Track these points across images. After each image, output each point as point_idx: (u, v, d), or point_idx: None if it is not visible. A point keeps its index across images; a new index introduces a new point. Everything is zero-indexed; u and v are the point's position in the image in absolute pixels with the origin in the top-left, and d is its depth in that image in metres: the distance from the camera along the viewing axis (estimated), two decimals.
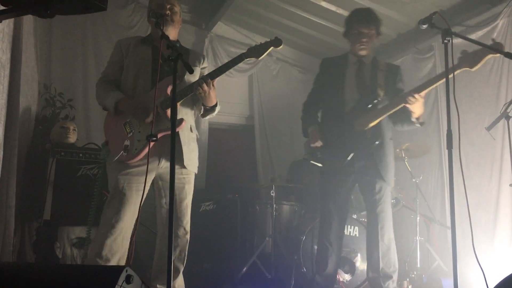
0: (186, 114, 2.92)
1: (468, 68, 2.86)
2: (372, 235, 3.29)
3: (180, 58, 2.15)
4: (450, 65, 2.69)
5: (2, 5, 1.94)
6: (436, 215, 4.57)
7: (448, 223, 4.58)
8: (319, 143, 3.26)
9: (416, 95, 3.00)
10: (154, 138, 2.32)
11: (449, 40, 2.60)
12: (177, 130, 2.75)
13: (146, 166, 2.67)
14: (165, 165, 2.79)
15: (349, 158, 3.18)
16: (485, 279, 2.35)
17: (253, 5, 5.33)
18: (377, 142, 3.19)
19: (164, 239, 2.89)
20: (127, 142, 2.74)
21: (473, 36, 4.23)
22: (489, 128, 3.66)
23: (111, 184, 2.79)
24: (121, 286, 1.73)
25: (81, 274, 1.75)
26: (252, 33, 6.02)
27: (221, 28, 5.80)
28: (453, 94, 2.51)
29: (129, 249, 2.46)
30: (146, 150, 2.71)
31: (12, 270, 1.68)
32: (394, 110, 3.13)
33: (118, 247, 2.73)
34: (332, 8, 4.95)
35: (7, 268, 1.73)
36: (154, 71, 2.82)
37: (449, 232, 4.60)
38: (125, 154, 2.72)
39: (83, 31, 5.11)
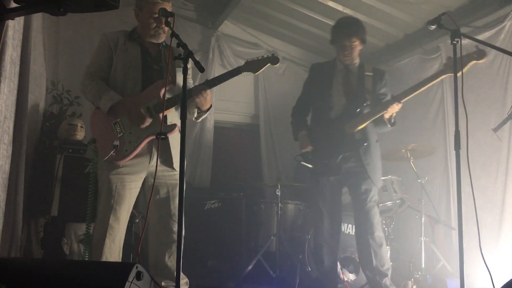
0: (175, 116, 2.94)
1: (451, 74, 2.94)
2: (362, 234, 3.41)
3: (191, 57, 2.16)
4: (458, 66, 2.73)
5: (15, 2, 1.96)
6: (441, 216, 4.56)
7: (453, 224, 4.60)
8: (309, 148, 3.45)
9: (398, 104, 3.19)
10: (164, 136, 2.34)
11: (458, 41, 2.62)
12: (169, 135, 2.78)
13: (137, 165, 2.78)
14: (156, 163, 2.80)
15: (338, 159, 3.34)
16: (491, 280, 2.36)
17: (260, 4, 5.32)
18: (365, 144, 3.35)
19: (160, 236, 2.91)
20: (116, 142, 2.74)
21: (480, 37, 4.22)
22: (496, 129, 3.66)
23: (102, 183, 2.80)
24: (131, 283, 1.75)
25: (92, 270, 1.77)
26: (258, 33, 6.00)
27: (227, 27, 5.79)
28: (461, 95, 2.53)
29: (138, 247, 2.48)
30: (137, 151, 2.75)
31: (26, 266, 1.70)
32: (377, 116, 3.30)
33: (116, 247, 2.79)
34: (339, 8, 4.95)
35: (20, 264, 1.75)
36: (144, 71, 2.86)
37: (454, 233, 4.60)
38: (114, 154, 2.72)
39: (90, 28, 5.10)
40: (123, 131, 2.76)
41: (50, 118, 4.26)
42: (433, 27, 2.79)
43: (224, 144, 5.89)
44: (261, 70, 2.92)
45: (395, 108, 3.20)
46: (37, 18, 3.72)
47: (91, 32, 5.10)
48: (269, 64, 2.91)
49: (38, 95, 3.92)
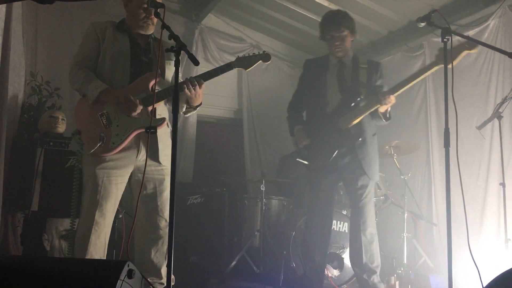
0: (164, 110, 2.90)
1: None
2: (354, 230, 3.41)
3: (184, 50, 2.10)
4: (449, 57, 2.75)
5: None
6: (422, 212, 4.62)
7: (434, 220, 4.66)
8: (306, 141, 3.39)
9: (391, 96, 3.14)
10: (153, 131, 2.28)
11: (448, 39, 2.62)
12: (159, 129, 2.72)
13: (124, 159, 2.71)
14: (143, 158, 2.74)
15: (333, 155, 3.30)
16: (480, 277, 2.39)
17: None
18: (360, 139, 3.31)
19: (147, 232, 2.85)
20: (102, 135, 2.65)
21: None
22: (480, 127, 3.71)
23: (88, 177, 2.71)
24: (123, 281, 1.70)
25: (83, 269, 1.71)
26: (242, 26, 5.96)
27: (211, 20, 5.73)
28: (452, 93, 2.54)
29: (127, 243, 2.42)
30: (124, 144, 2.68)
31: (12, 264, 1.63)
32: (372, 109, 3.26)
33: (101, 243, 2.71)
34: (325, 3, 4.93)
35: (5, 262, 1.68)
36: (133, 63, 2.78)
37: (435, 229, 4.66)
38: (100, 147, 2.64)
39: (70, 18, 4.98)
40: (110, 123, 2.68)
41: (29, 110, 4.14)
42: (423, 24, 2.79)
43: (207, 138, 5.83)
44: (252, 67, 2.89)
45: (388, 101, 3.16)
46: (17, 6, 3.59)
47: (70, 22, 4.98)
48: (260, 61, 2.88)
49: (17, 86, 3.80)
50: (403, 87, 3.14)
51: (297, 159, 3.42)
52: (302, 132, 3.45)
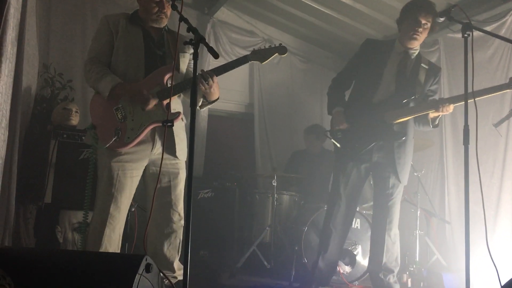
0: (178, 103, 2.89)
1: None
2: (378, 229, 3.29)
3: (203, 43, 2.08)
4: (470, 60, 2.63)
5: None
6: (435, 210, 4.58)
7: (447, 218, 4.62)
8: (343, 126, 3.23)
9: (451, 105, 3.00)
10: (170, 124, 2.26)
11: (469, 34, 2.58)
12: (175, 122, 2.70)
13: (139, 153, 2.70)
14: (158, 151, 2.74)
15: (369, 147, 3.16)
16: (498, 275, 2.36)
17: None
18: (403, 138, 3.16)
19: (160, 226, 2.84)
20: (118, 129, 2.64)
21: None
22: (497, 125, 3.64)
23: (103, 170, 2.71)
24: (141, 275, 1.69)
25: (101, 262, 1.70)
26: (254, 20, 5.92)
27: (223, 13, 5.69)
28: (472, 91, 2.51)
29: (143, 237, 2.41)
30: (139, 138, 2.67)
31: (31, 256, 1.62)
32: (424, 113, 3.11)
33: (116, 236, 2.71)
34: None
35: (25, 254, 1.67)
36: (147, 57, 2.76)
37: (447, 226, 4.62)
38: (116, 142, 2.63)
39: (83, 10, 4.97)
40: (125, 118, 2.66)
41: (41, 102, 4.14)
42: (442, 19, 2.75)
43: (218, 133, 5.82)
44: (268, 60, 2.85)
45: (446, 110, 3.01)
46: None
47: (83, 14, 4.97)
48: (276, 54, 2.85)
49: (31, 78, 3.80)
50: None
51: (332, 140, 3.28)
52: (341, 115, 3.26)
